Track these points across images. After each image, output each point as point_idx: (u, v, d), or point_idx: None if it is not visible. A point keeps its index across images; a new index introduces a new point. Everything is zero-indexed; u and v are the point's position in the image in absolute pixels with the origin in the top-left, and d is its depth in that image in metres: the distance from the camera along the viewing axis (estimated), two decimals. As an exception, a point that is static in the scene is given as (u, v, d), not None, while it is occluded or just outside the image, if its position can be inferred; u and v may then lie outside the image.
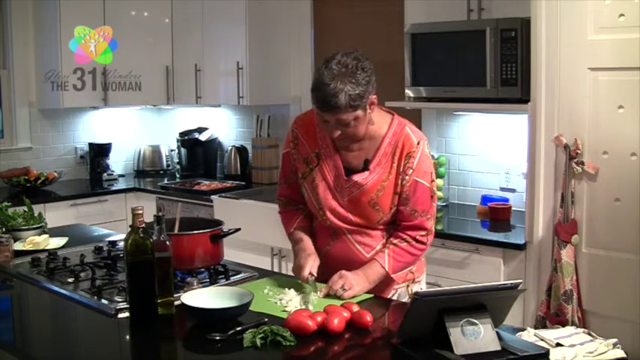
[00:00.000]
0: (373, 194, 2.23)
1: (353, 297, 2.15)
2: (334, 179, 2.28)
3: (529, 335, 2.46)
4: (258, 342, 1.78)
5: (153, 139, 5.50)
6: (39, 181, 4.60)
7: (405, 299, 2.33)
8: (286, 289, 2.21)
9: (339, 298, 2.14)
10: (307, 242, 2.35)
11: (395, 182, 2.23)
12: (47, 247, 2.80)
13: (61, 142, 5.14)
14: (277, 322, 1.90)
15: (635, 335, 2.73)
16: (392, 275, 2.24)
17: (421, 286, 2.42)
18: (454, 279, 3.21)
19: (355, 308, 1.98)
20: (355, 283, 2.18)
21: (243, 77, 4.60)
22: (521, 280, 1.86)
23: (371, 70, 2.14)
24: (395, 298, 2.33)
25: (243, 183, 4.81)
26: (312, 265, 2.25)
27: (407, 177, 2.21)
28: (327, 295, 2.17)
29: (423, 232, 2.25)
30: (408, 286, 2.36)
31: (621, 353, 2.37)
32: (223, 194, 4.42)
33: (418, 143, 2.22)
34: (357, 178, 2.25)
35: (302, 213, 2.42)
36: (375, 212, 2.25)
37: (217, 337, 1.83)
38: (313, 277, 2.23)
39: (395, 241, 2.25)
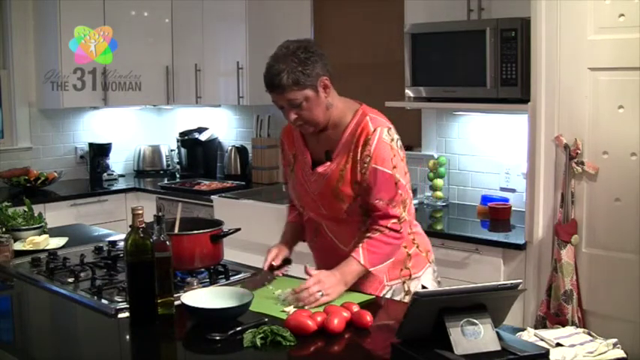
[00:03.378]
0: (334, 184, 2.25)
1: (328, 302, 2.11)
2: (304, 174, 2.34)
3: (529, 335, 2.46)
4: (258, 342, 1.78)
5: (153, 139, 5.50)
6: (39, 181, 4.60)
7: (401, 296, 2.32)
8: (287, 289, 2.21)
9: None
10: (285, 234, 2.52)
11: (352, 170, 2.22)
12: (47, 247, 2.80)
13: (61, 142, 5.14)
14: (277, 322, 1.90)
15: (635, 335, 2.73)
16: (371, 269, 2.20)
17: (420, 282, 2.38)
18: (454, 279, 3.21)
19: (355, 308, 1.98)
20: (331, 289, 2.14)
21: (243, 77, 4.61)
22: (521, 280, 1.86)
23: (319, 53, 2.19)
24: (389, 295, 2.31)
25: (243, 183, 4.81)
26: (274, 254, 2.40)
27: (366, 165, 2.20)
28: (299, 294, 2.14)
29: (394, 220, 2.22)
30: (404, 282, 2.34)
31: (621, 353, 2.37)
32: (223, 194, 4.42)
33: (374, 131, 2.20)
34: (319, 169, 2.29)
35: (297, 210, 2.51)
36: (339, 202, 2.26)
37: (217, 337, 1.83)
38: (278, 272, 2.39)
39: (369, 234, 2.23)
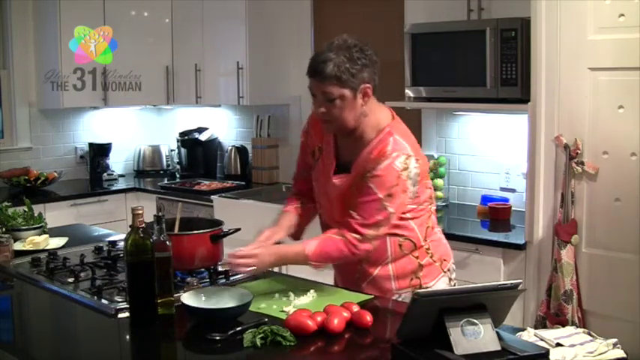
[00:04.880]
0: (347, 197, 2.21)
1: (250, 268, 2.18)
2: (325, 178, 2.31)
3: (529, 335, 2.47)
4: (258, 342, 1.78)
5: (153, 139, 5.50)
6: (39, 181, 4.60)
7: None
8: (288, 290, 2.21)
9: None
10: (279, 219, 2.40)
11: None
12: (47, 247, 2.80)
13: (61, 142, 5.14)
14: (277, 322, 1.90)
15: (635, 335, 2.73)
16: (313, 263, 2.17)
17: None
18: (454, 279, 3.21)
19: (355, 308, 1.98)
20: (262, 265, 2.20)
21: (243, 77, 4.61)
22: (521, 280, 1.86)
23: (372, 60, 2.13)
24: None
25: (243, 183, 4.81)
26: (267, 236, 2.29)
27: (365, 178, 2.14)
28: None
29: (357, 235, 2.14)
30: (413, 292, 2.32)
31: (621, 353, 2.38)
32: (223, 194, 4.43)
33: (390, 154, 2.12)
34: (335, 180, 2.25)
35: (301, 205, 2.44)
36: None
37: (217, 337, 1.83)
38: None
39: (333, 232, 2.19)
